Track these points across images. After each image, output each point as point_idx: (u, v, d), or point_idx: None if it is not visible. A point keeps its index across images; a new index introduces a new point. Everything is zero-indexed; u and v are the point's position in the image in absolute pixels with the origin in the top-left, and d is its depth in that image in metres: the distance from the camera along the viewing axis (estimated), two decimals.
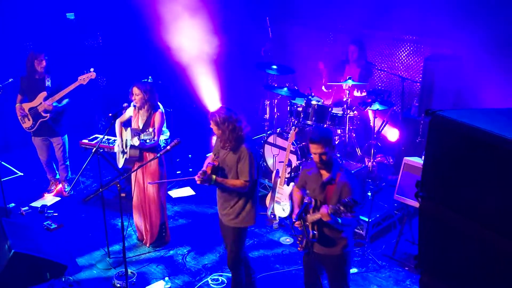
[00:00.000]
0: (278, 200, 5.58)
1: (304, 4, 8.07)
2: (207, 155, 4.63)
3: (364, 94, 6.71)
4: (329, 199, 3.73)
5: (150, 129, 4.94)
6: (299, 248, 3.90)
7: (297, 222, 3.75)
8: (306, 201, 3.76)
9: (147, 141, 4.91)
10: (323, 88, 6.98)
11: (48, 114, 6.11)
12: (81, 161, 6.01)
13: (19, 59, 6.14)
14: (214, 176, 4.07)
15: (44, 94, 6.03)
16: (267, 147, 6.59)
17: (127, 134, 5.21)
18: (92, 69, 5.97)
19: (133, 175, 5.33)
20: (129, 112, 5.29)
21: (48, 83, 6.07)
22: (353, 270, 5.06)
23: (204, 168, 4.11)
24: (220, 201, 4.31)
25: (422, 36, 7.15)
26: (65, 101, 6.17)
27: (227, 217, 4.27)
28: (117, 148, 5.39)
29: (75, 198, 6.59)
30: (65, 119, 6.37)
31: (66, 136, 6.43)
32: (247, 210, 4.20)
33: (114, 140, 6.21)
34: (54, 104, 6.04)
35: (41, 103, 6.04)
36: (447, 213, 2.14)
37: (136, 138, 5.03)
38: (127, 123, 5.38)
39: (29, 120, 6.15)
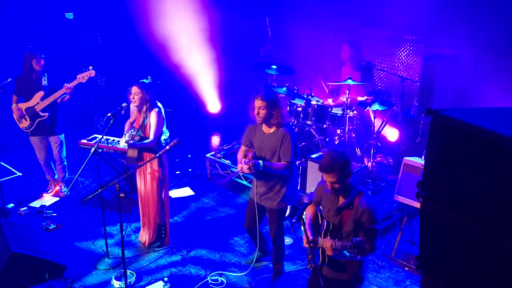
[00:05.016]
0: None
1: (304, 4, 8.06)
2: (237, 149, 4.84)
3: (364, 98, 6.62)
4: (344, 225, 3.43)
5: (131, 130, 5.02)
6: (308, 267, 3.64)
7: (305, 244, 3.47)
8: (306, 201, 3.59)
9: (130, 141, 4.98)
10: (329, 100, 6.89)
11: (46, 114, 6.08)
12: (80, 161, 6.00)
13: (18, 59, 6.11)
14: (261, 161, 4.33)
15: (41, 93, 6.00)
16: None
17: None
18: (91, 67, 5.94)
19: (137, 176, 5.32)
20: (134, 113, 5.30)
21: (44, 82, 6.04)
22: None
23: (246, 159, 4.36)
24: (260, 188, 4.55)
25: (422, 35, 7.14)
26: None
27: (271, 201, 4.54)
28: (122, 144, 5.37)
29: (74, 198, 6.57)
30: (62, 118, 6.35)
31: (63, 135, 6.41)
32: (289, 191, 4.52)
33: (113, 140, 6.21)
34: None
35: (38, 102, 6.01)
36: (448, 213, 2.13)
37: (123, 139, 5.05)
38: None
39: (26, 120, 6.12)
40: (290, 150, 4.34)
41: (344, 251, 3.30)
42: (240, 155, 4.64)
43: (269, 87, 4.41)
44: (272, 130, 4.44)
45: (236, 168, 6.68)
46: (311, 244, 3.42)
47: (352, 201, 3.41)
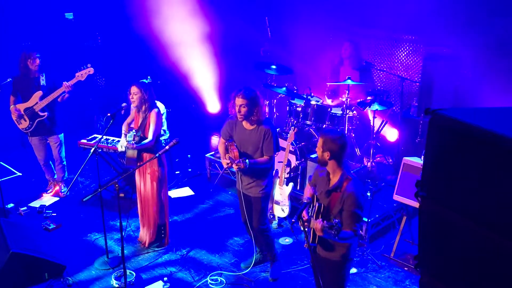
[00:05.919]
0: (277, 200, 5.56)
1: (304, 4, 8.07)
2: (213, 138, 4.85)
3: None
4: (332, 207, 3.60)
5: (133, 131, 5.02)
6: (305, 245, 3.74)
7: (300, 223, 3.57)
8: (305, 201, 3.68)
9: (132, 141, 4.97)
10: (328, 101, 6.89)
11: (45, 113, 6.08)
12: (79, 161, 6.00)
13: (17, 59, 6.10)
14: (247, 160, 4.47)
15: (40, 93, 5.99)
16: None
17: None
18: (89, 65, 5.93)
19: (137, 176, 5.32)
20: (132, 113, 5.29)
21: (43, 82, 6.03)
22: (353, 271, 5.04)
23: (230, 155, 4.55)
24: (244, 179, 4.70)
25: (421, 35, 7.14)
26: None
27: (256, 189, 4.69)
28: (120, 149, 5.36)
29: (74, 198, 6.57)
30: (61, 118, 6.34)
31: (62, 134, 6.41)
32: (269, 179, 4.76)
33: (113, 140, 6.21)
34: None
35: (37, 102, 6.00)
36: (447, 213, 2.13)
37: (124, 139, 5.04)
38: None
39: (25, 120, 6.11)
40: (272, 145, 4.53)
41: (325, 232, 3.46)
42: (221, 148, 4.76)
43: (249, 86, 4.50)
44: (253, 126, 4.55)
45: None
46: (305, 223, 3.57)
47: (341, 184, 3.57)
